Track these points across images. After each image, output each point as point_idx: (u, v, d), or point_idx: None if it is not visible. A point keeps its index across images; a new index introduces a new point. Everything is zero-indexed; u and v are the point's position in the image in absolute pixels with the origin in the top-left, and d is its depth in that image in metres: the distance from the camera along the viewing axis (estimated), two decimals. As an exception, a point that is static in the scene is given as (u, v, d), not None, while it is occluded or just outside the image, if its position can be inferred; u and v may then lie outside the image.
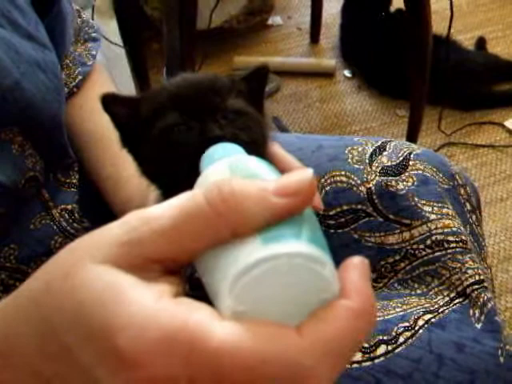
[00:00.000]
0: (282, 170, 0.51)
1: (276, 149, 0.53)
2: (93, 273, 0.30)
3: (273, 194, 0.30)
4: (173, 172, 0.47)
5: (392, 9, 2.32)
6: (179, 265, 0.31)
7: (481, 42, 2.43)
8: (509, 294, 1.61)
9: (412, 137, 1.91)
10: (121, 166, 0.68)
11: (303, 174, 0.31)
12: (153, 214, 0.31)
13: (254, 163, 0.36)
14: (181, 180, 0.46)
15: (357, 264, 0.31)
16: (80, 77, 0.75)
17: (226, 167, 0.36)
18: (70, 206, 0.67)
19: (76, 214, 0.67)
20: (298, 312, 0.29)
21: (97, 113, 0.74)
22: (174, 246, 0.30)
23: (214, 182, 0.31)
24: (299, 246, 0.28)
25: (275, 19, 2.64)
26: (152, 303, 0.29)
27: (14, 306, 0.34)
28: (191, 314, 0.28)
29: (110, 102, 0.49)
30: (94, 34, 0.81)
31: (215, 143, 0.43)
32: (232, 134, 0.46)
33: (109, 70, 0.85)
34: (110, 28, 1.77)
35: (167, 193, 0.51)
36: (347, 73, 2.36)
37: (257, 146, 0.49)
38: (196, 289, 0.34)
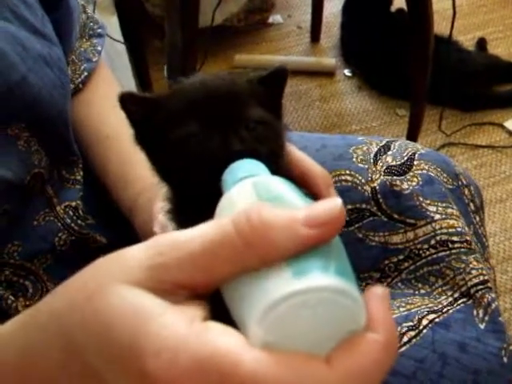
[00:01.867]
0: (299, 173, 0.51)
1: (293, 151, 0.53)
2: (121, 295, 0.30)
3: (302, 225, 0.30)
4: (189, 181, 0.46)
5: (393, 8, 2.32)
6: (206, 290, 0.32)
7: (481, 43, 2.43)
8: (508, 294, 1.61)
9: (412, 137, 1.91)
10: (128, 164, 0.68)
11: (332, 204, 0.31)
12: (181, 240, 0.31)
13: (279, 185, 0.37)
14: (197, 190, 0.45)
15: (380, 295, 0.32)
16: (86, 73, 0.75)
17: (250, 188, 0.36)
18: (74, 203, 0.66)
19: (80, 211, 0.66)
20: (325, 342, 0.29)
21: (104, 110, 0.74)
22: (202, 273, 0.30)
23: (244, 210, 0.31)
24: (329, 280, 0.29)
25: (276, 18, 2.64)
26: (183, 328, 0.29)
27: (33, 323, 0.34)
28: (222, 340, 0.28)
29: (126, 100, 0.48)
30: (99, 30, 0.81)
31: (236, 157, 0.43)
32: (253, 149, 0.45)
33: (110, 67, 0.84)
34: (111, 24, 1.76)
35: (178, 195, 0.50)
36: (347, 72, 2.36)
37: (276, 156, 0.48)
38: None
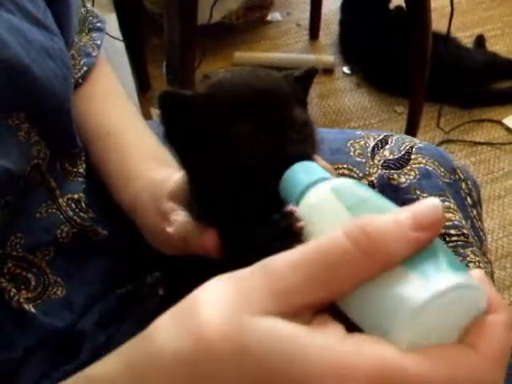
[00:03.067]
0: None
1: None
2: (264, 327, 0.30)
3: (412, 229, 0.31)
4: (234, 184, 0.46)
5: (391, 6, 2.32)
6: (327, 305, 0.32)
7: (480, 40, 2.43)
8: (506, 290, 1.61)
9: (411, 134, 1.91)
10: (132, 163, 0.67)
11: (433, 205, 0.32)
12: (298, 262, 0.31)
13: (355, 188, 0.38)
14: (243, 192, 0.45)
15: (483, 277, 0.33)
16: (85, 68, 0.74)
17: (331, 195, 0.37)
18: (76, 196, 0.66)
19: (82, 204, 0.66)
20: (453, 331, 0.31)
21: (105, 106, 0.74)
22: (325, 291, 0.31)
23: (354, 222, 0.31)
24: (456, 277, 0.30)
25: (274, 15, 2.64)
26: (339, 347, 0.29)
27: (154, 370, 0.32)
28: (382, 352, 0.29)
29: (168, 98, 0.47)
30: (98, 24, 0.80)
31: (291, 161, 0.43)
32: (304, 151, 0.45)
33: (109, 64, 0.84)
34: (110, 22, 1.76)
35: (213, 197, 0.49)
36: (346, 69, 2.36)
37: (314, 155, 0.48)
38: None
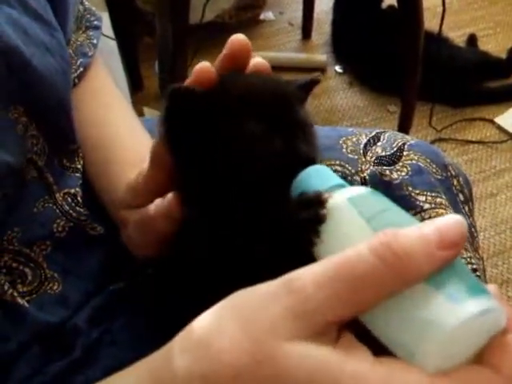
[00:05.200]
0: None
1: None
2: (293, 355, 0.30)
3: (436, 247, 0.31)
4: (243, 183, 0.45)
5: (384, 5, 2.33)
6: (351, 319, 0.32)
7: (472, 39, 2.44)
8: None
9: (403, 132, 1.91)
10: (118, 163, 0.67)
11: (459, 223, 0.32)
12: (325, 278, 0.31)
13: (375, 198, 0.37)
14: (252, 192, 0.44)
15: (498, 292, 0.34)
16: (81, 68, 0.74)
17: (347, 204, 0.36)
18: (73, 190, 0.66)
19: (79, 198, 0.66)
20: (473, 351, 0.31)
21: (100, 107, 0.74)
22: (350, 307, 0.31)
23: (379, 238, 0.31)
24: (483, 301, 0.31)
25: (267, 14, 2.64)
26: (371, 376, 0.29)
27: None
28: (412, 379, 0.30)
29: (177, 94, 0.46)
30: (95, 22, 0.80)
31: (303, 161, 0.42)
32: (313, 152, 0.45)
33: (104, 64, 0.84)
34: (103, 21, 1.76)
35: (213, 201, 0.47)
36: (338, 68, 2.37)
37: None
38: None
